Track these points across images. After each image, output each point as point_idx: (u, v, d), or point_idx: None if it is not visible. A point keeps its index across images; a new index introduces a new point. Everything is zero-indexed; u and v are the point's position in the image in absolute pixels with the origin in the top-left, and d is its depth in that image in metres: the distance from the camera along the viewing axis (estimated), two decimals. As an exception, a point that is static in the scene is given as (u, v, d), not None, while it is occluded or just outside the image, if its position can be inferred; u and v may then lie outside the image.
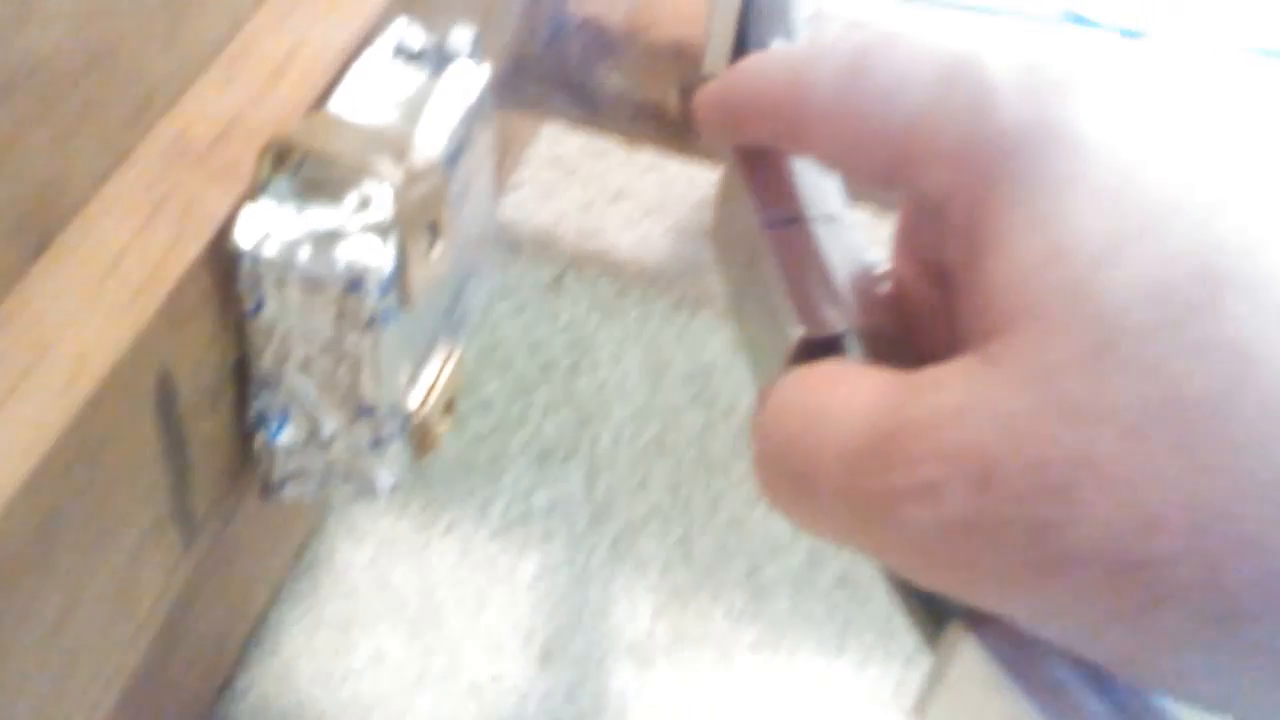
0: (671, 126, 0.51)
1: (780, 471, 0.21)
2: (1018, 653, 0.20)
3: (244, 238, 0.27)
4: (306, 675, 0.52)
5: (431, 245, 0.29)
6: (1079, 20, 0.50)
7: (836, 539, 0.21)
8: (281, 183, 0.28)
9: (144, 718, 0.47)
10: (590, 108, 0.51)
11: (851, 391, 0.20)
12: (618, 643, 0.53)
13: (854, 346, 0.23)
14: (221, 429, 0.31)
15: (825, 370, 0.22)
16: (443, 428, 0.35)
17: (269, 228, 0.27)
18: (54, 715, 0.28)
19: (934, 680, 0.22)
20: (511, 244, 0.65)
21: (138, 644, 0.31)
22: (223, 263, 0.28)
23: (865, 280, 0.25)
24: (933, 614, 0.23)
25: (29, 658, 0.26)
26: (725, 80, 0.25)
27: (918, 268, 0.24)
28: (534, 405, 0.59)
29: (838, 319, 0.24)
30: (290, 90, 0.30)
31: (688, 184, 0.67)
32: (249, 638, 0.53)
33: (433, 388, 0.33)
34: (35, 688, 0.27)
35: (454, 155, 0.30)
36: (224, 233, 0.27)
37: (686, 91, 0.49)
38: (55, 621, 0.27)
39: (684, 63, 0.49)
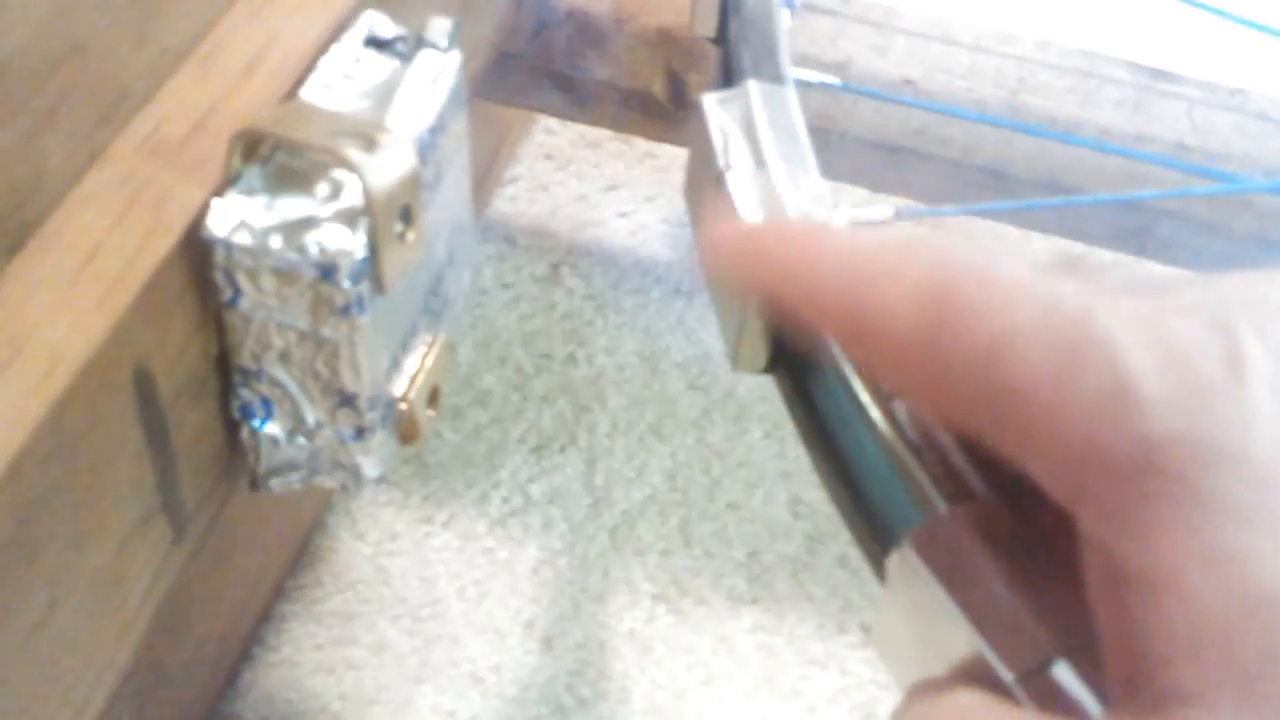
0: (660, 114, 0.51)
1: None
2: (957, 572, 0.21)
3: (216, 228, 0.27)
4: (308, 669, 0.52)
5: (405, 231, 0.29)
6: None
7: None
8: (253, 173, 0.28)
9: (147, 714, 0.47)
10: (578, 98, 0.51)
11: None
12: (618, 630, 0.53)
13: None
14: (207, 421, 0.31)
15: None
16: (428, 416, 0.35)
17: (241, 217, 0.27)
18: (43, 707, 0.28)
19: (881, 603, 0.22)
20: (507, 237, 0.65)
21: (129, 638, 0.31)
22: (198, 256, 0.28)
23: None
24: (879, 540, 0.23)
25: (16, 650, 0.26)
26: (756, 246, 0.22)
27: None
28: (531, 396, 0.60)
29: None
30: (264, 84, 0.30)
31: (681, 172, 0.67)
32: (251, 634, 0.54)
33: (416, 376, 0.33)
34: (23, 680, 0.27)
35: (426, 142, 0.30)
36: (198, 226, 0.27)
37: (673, 77, 0.50)
38: (42, 614, 0.27)
39: (671, 50, 0.49)
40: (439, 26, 0.32)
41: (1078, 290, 0.18)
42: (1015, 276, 0.19)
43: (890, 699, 0.52)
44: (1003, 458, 0.19)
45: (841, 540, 0.55)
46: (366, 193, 0.27)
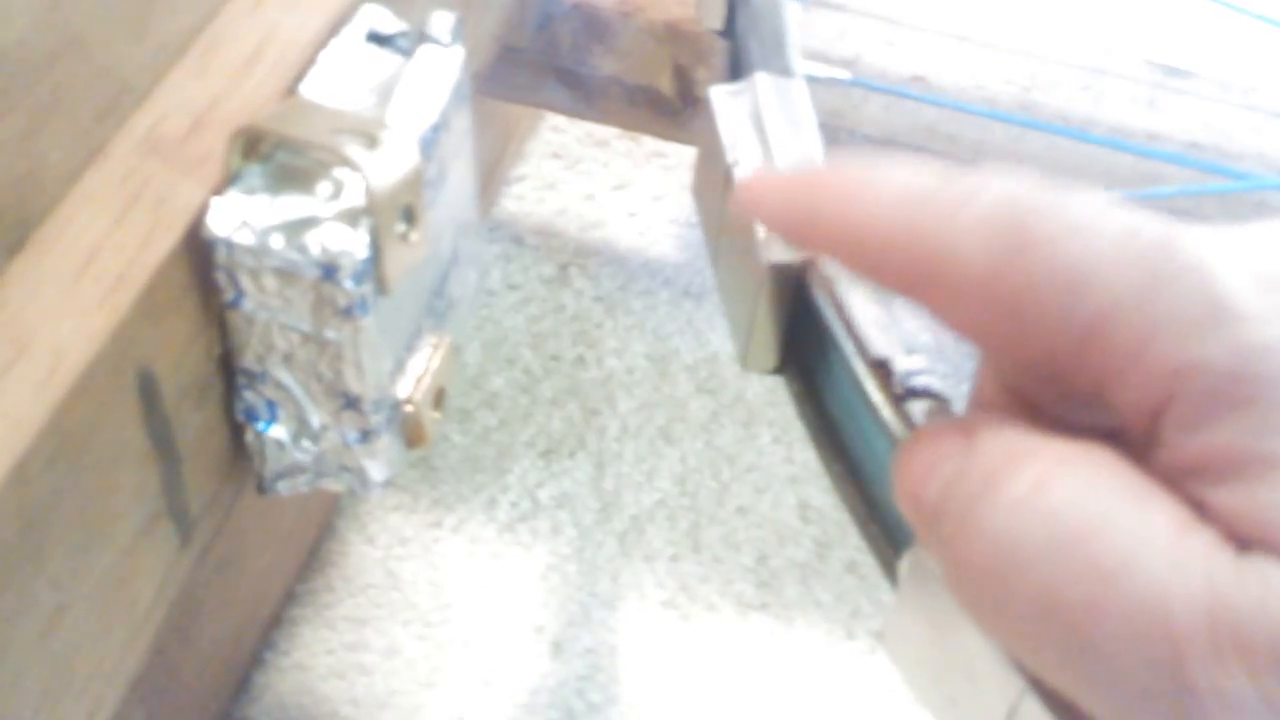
0: (667, 111, 0.50)
1: (1024, 593, 0.18)
2: None
3: (217, 227, 0.27)
4: (320, 673, 0.52)
5: (408, 231, 0.28)
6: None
7: (1049, 669, 0.18)
8: (254, 171, 0.27)
9: (159, 717, 0.47)
10: (584, 95, 0.51)
11: (1139, 527, 0.17)
12: (627, 635, 0.53)
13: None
14: (212, 423, 0.31)
15: (1093, 483, 0.18)
16: (434, 419, 0.34)
17: (242, 216, 0.27)
18: (56, 710, 0.28)
19: (894, 606, 0.22)
20: (514, 237, 0.65)
21: (138, 642, 0.31)
22: (200, 255, 0.27)
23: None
24: (891, 543, 0.23)
25: (26, 653, 0.26)
26: (807, 190, 0.21)
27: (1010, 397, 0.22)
28: (540, 399, 0.59)
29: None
30: (264, 80, 0.30)
31: (689, 170, 0.67)
32: (263, 638, 0.53)
33: (421, 378, 0.33)
34: (32, 686, 0.27)
35: (429, 139, 0.30)
36: (199, 225, 0.27)
37: (681, 73, 0.49)
38: (50, 618, 0.26)
39: (678, 45, 0.49)
40: (441, 21, 0.31)
41: (1153, 217, 0.19)
42: (1090, 204, 0.19)
43: (898, 704, 0.52)
44: (1074, 393, 0.19)
45: (850, 546, 0.55)
46: (368, 192, 0.27)
